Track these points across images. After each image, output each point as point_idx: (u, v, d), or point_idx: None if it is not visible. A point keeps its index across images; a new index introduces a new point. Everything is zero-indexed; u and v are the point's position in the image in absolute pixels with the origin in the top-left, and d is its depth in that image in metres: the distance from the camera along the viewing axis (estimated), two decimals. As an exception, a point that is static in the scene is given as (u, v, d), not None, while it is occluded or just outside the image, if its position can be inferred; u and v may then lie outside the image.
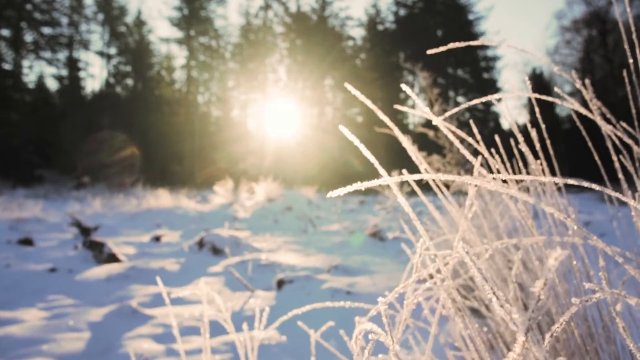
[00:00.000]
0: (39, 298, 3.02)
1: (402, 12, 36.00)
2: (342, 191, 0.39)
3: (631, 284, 0.89)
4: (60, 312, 2.74)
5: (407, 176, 0.49)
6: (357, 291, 2.88)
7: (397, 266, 3.70)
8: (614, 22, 29.92)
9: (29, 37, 29.55)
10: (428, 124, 3.63)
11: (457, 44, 0.71)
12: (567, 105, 0.81)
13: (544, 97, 0.69)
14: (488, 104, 36.65)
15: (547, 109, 34.95)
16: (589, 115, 0.72)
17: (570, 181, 0.46)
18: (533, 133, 0.93)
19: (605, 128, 0.72)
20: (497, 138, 1.00)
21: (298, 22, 34.30)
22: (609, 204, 1.04)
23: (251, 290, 3.05)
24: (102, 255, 4.15)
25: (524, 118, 39.15)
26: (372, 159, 0.50)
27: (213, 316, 2.58)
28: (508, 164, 1.39)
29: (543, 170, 0.94)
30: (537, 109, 0.95)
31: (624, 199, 0.49)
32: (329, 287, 2.93)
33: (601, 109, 0.78)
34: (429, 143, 4.14)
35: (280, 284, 3.10)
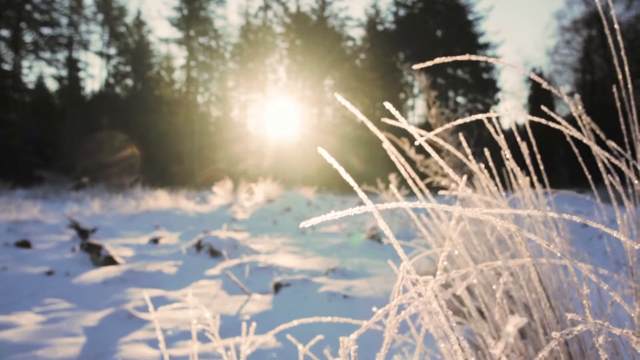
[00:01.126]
0: (36, 302, 3.01)
1: (401, 12, 35.98)
2: (317, 220, 0.38)
3: (619, 306, 0.88)
4: (56, 316, 2.73)
5: (402, 203, 0.48)
6: (354, 295, 2.87)
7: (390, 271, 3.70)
8: (614, 22, 29.86)
9: (28, 37, 29.55)
10: (427, 126, 3.63)
11: (459, 57, 0.70)
12: (559, 128, 0.80)
13: (536, 119, 0.68)
14: (488, 105, 36.62)
15: (547, 109, 34.86)
16: (577, 135, 0.71)
17: (551, 214, 0.45)
18: (523, 145, 0.92)
19: (595, 149, 0.71)
20: (487, 152, 0.99)
21: (298, 22, 34.29)
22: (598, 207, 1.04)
23: (248, 293, 3.04)
24: (100, 258, 4.14)
25: (523, 119, 39.08)
26: (351, 180, 0.49)
27: (206, 322, 2.58)
28: (506, 171, 1.38)
29: (533, 183, 0.93)
30: (528, 130, 0.94)
31: (607, 230, 0.48)
32: (326, 290, 2.93)
33: (591, 124, 0.77)
34: (429, 144, 4.13)
35: (278, 287, 3.09)
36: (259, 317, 2.66)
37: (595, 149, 0.71)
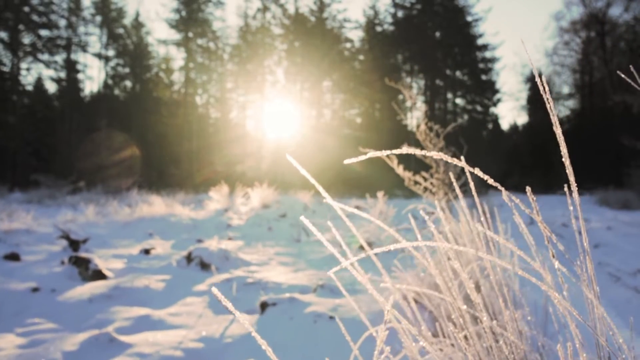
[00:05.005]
0: (18, 322, 2.98)
1: (400, 13, 35.93)
2: None
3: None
4: (38, 338, 2.69)
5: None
6: (340, 316, 2.83)
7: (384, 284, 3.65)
8: (612, 23, 29.90)
9: (26, 39, 29.49)
10: (416, 143, 3.58)
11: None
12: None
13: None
14: (487, 106, 36.58)
15: (546, 110, 34.90)
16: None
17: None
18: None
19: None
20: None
21: (296, 24, 34.25)
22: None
23: (234, 313, 3.00)
24: (88, 272, 4.10)
25: (522, 119, 39.10)
26: (318, 186, 0.45)
27: (189, 346, 2.53)
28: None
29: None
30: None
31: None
32: (312, 311, 2.89)
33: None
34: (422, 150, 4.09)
35: (264, 306, 3.05)
36: (242, 340, 2.62)
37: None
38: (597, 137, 26.74)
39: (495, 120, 37.86)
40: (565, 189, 0.72)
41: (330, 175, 27.60)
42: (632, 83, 0.77)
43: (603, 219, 10.19)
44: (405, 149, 0.82)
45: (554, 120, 0.67)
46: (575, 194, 0.69)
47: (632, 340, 2.21)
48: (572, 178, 0.68)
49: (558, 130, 0.66)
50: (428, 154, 0.78)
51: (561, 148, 0.67)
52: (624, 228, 8.20)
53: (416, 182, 3.30)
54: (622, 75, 0.76)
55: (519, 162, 33.53)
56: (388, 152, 0.71)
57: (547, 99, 0.65)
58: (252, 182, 15.57)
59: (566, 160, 0.66)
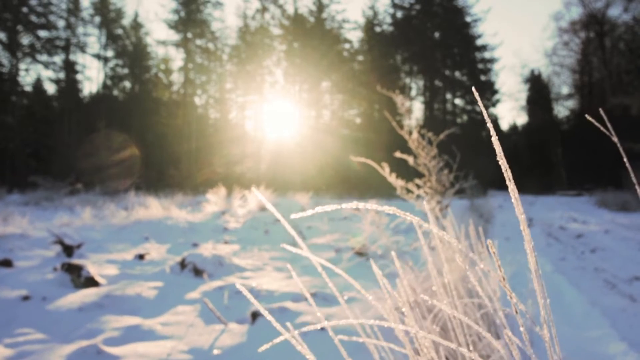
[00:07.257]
0: (7, 332, 2.95)
1: (399, 14, 35.91)
2: None
3: None
4: (26, 349, 2.67)
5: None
6: (331, 326, 2.81)
7: (377, 292, 3.62)
8: (612, 23, 29.87)
9: (25, 40, 29.46)
10: (408, 150, 3.56)
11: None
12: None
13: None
14: (486, 106, 36.54)
15: (546, 110, 34.94)
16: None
17: None
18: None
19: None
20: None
21: (295, 24, 34.22)
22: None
23: (224, 323, 2.97)
24: (80, 279, 4.07)
25: (522, 119, 39.10)
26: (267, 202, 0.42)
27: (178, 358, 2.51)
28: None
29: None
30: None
31: None
32: (303, 321, 2.86)
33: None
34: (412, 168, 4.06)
35: (255, 316, 3.02)
36: (232, 351, 2.60)
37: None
38: (596, 138, 26.70)
39: (494, 120, 37.84)
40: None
41: (330, 175, 27.55)
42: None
43: (601, 221, 10.17)
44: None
45: (494, 136, 0.64)
46: (520, 207, 0.66)
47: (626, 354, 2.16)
48: (513, 187, 0.66)
49: (497, 145, 0.64)
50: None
51: (499, 158, 0.65)
52: (622, 231, 8.18)
53: (409, 190, 3.28)
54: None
55: (518, 162, 33.51)
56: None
57: (487, 117, 0.63)
58: (251, 182, 15.56)
59: (506, 172, 0.64)
